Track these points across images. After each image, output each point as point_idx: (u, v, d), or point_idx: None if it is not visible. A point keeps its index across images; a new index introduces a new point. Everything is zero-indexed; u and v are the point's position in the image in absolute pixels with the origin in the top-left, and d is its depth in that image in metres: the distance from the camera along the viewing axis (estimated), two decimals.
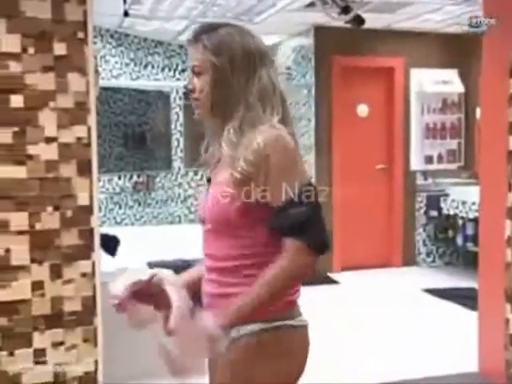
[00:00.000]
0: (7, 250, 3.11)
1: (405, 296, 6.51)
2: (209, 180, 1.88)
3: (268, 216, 1.71)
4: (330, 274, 7.30)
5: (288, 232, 1.68)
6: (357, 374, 4.32)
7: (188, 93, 1.85)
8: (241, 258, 1.76)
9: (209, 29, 1.81)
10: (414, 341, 5.06)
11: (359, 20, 5.33)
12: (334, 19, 5.39)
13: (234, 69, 1.75)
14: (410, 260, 7.73)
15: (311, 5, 5.88)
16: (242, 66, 1.76)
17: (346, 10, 5.13)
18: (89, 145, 3.24)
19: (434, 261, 7.80)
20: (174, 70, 8.05)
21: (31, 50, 3.09)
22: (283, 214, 1.68)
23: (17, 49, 3.06)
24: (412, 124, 7.65)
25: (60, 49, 3.14)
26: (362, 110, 7.57)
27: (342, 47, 7.25)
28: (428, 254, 7.79)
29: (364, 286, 6.97)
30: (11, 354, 3.14)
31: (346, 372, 4.37)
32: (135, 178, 7.72)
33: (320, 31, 7.21)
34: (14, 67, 3.07)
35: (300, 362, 1.81)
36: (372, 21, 5.91)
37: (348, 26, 5.56)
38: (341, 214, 7.36)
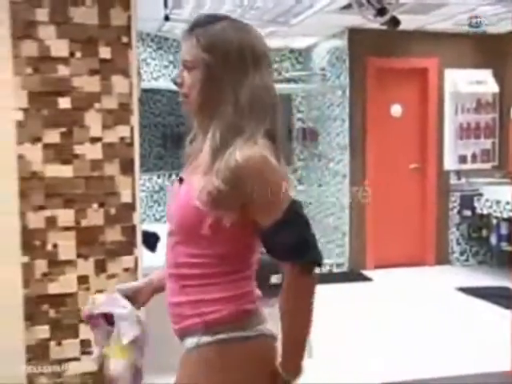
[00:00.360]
0: (55, 246, 3.25)
1: (438, 294, 6.53)
2: (181, 179, 1.77)
3: (241, 235, 1.66)
4: (363, 272, 7.37)
5: (280, 255, 1.64)
6: (390, 372, 4.38)
7: (176, 86, 1.74)
8: (197, 266, 1.67)
9: (205, 22, 1.69)
10: (447, 339, 5.09)
11: (395, 21, 5.35)
12: (370, 21, 5.43)
13: (225, 68, 1.64)
14: (443, 259, 7.75)
15: (347, 7, 5.94)
16: (234, 65, 1.65)
17: (381, 11, 5.16)
18: (131, 144, 3.35)
19: (467, 260, 7.81)
20: None
21: (78, 55, 3.22)
22: (271, 238, 1.62)
23: (65, 53, 3.21)
24: (445, 124, 7.67)
25: (105, 53, 3.27)
26: (396, 110, 7.59)
27: (376, 49, 7.31)
28: (461, 253, 7.80)
29: (397, 283, 7.01)
30: (59, 344, 3.29)
31: (377, 369, 4.44)
32: (174, 176, 7.83)
33: (354, 33, 7.29)
34: (63, 70, 3.21)
35: (255, 373, 1.67)
36: (406, 22, 5.95)
37: (382, 27, 5.60)
38: (374, 212, 7.44)
